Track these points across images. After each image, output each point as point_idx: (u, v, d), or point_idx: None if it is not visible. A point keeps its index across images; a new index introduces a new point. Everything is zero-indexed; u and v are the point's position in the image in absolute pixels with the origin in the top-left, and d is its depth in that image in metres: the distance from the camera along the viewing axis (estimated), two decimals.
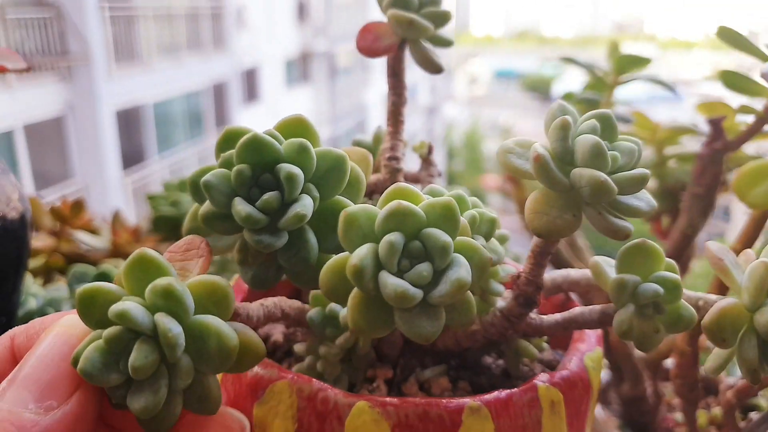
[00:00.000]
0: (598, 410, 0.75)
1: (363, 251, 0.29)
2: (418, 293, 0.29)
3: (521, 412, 0.35)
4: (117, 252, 0.84)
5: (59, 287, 0.66)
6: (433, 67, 0.45)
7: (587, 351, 0.40)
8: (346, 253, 0.31)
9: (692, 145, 0.70)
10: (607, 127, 0.33)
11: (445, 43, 0.45)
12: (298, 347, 0.41)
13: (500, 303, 0.39)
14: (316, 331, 0.39)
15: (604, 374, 0.74)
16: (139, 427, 0.31)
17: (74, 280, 0.63)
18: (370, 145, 0.51)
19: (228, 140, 0.34)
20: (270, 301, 0.37)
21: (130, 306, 0.29)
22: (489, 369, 0.43)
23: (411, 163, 0.50)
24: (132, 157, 8.15)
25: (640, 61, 0.68)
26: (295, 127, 0.34)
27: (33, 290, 0.62)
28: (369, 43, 0.44)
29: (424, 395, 0.39)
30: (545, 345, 0.44)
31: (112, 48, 7.40)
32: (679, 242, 0.64)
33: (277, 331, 0.45)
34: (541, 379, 0.36)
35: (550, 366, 0.43)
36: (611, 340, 0.65)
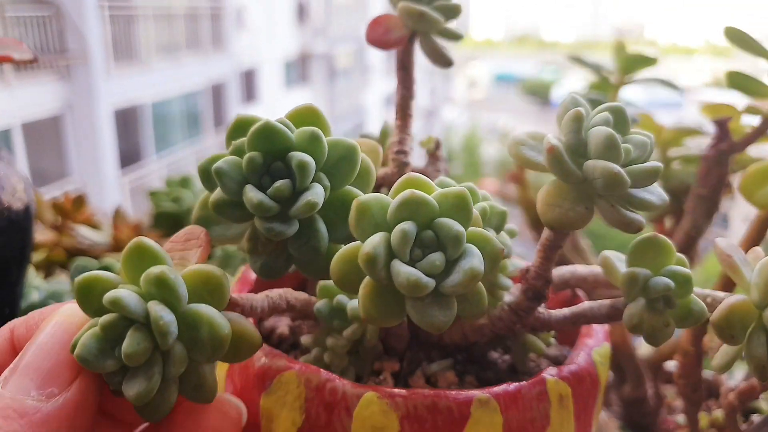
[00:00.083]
0: None
1: (376, 239, 0.29)
2: (430, 282, 0.29)
3: (530, 405, 0.35)
4: (118, 247, 0.84)
5: (61, 280, 0.66)
6: (443, 61, 0.45)
7: (595, 346, 0.40)
8: (358, 242, 0.31)
9: (696, 147, 0.70)
10: (620, 120, 0.33)
11: (456, 36, 0.44)
12: (305, 339, 0.41)
13: (508, 297, 0.39)
14: (324, 322, 0.39)
15: None
16: (137, 416, 0.31)
17: (76, 273, 0.63)
18: (377, 140, 0.51)
19: (239, 128, 0.34)
20: (275, 293, 0.37)
21: (124, 293, 0.29)
22: (495, 364, 0.42)
23: (416, 159, 0.49)
24: (129, 156, 8.14)
25: (646, 61, 0.67)
26: (307, 115, 0.34)
27: (35, 283, 0.62)
28: (379, 36, 0.43)
29: (431, 388, 0.39)
30: (552, 340, 0.44)
31: (111, 47, 7.40)
32: (683, 243, 0.63)
33: (283, 324, 0.45)
34: (550, 373, 0.36)
35: (557, 362, 0.43)
36: (613, 341, 0.65)
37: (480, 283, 0.31)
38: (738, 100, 0.58)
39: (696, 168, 0.61)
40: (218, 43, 9.75)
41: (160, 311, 0.29)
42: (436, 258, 0.29)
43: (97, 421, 0.34)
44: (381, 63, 16.13)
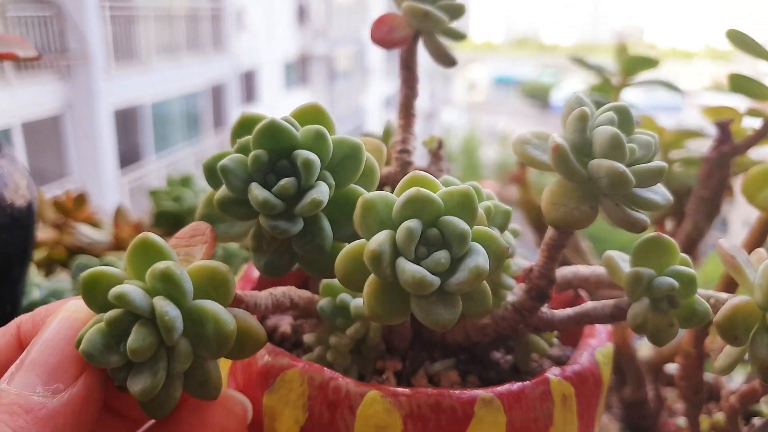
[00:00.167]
0: None
1: (381, 237, 0.29)
2: (435, 280, 0.29)
3: (533, 405, 0.35)
4: (119, 245, 0.84)
5: (62, 279, 0.66)
6: (446, 60, 0.45)
7: (598, 346, 0.40)
8: (363, 240, 0.31)
9: (697, 149, 0.70)
10: (624, 120, 0.33)
11: (459, 36, 0.44)
12: (308, 337, 0.41)
13: (511, 297, 0.39)
14: (327, 321, 0.39)
15: None
16: (143, 412, 0.31)
17: (78, 271, 0.63)
18: (380, 139, 0.51)
19: (244, 126, 0.34)
20: (279, 290, 0.37)
21: (129, 289, 0.29)
22: (498, 364, 0.42)
23: (418, 159, 0.50)
24: (129, 156, 8.15)
25: (648, 63, 0.68)
26: (312, 114, 0.34)
27: (36, 281, 0.62)
28: (383, 35, 0.44)
29: (434, 388, 0.38)
30: (555, 340, 0.44)
31: (111, 47, 7.41)
32: (684, 245, 0.63)
33: (285, 323, 0.45)
34: (553, 373, 0.36)
35: (560, 362, 0.43)
36: (614, 343, 0.65)
37: (485, 281, 0.31)
38: (738, 103, 0.58)
39: (697, 170, 0.61)
40: (218, 44, 9.75)
41: (165, 307, 0.29)
42: (442, 256, 0.29)
43: (103, 418, 0.34)
44: (381, 65, 16.14)
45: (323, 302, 0.39)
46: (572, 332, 0.45)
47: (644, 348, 0.73)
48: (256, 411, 0.36)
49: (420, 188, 0.30)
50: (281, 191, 0.31)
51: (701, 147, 0.67)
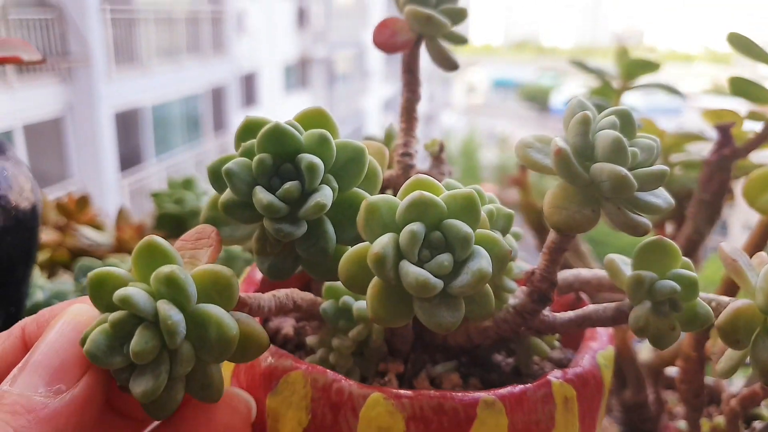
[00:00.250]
0: None
1: (385, 240, 0.29)
2: (439, 283, 0.29)
3: (535, 407, 0.35)
4: (121, 248, 0.84)
5: (65, 281, 0.66)
6: (449, 64, 0.45)
7: (599, 349, 0.40)
8: (366, 243, 0.31)
9: (698, 152, 0.70)
10: (626, 124, 0.34)
11: (461, 40, 0.45)
12: (311, 339, 0.41)
13: (513, 300, 0.39)
14: (330, 323, 0.39)
15: None
16: (144, 412, 0.31)
17: (81, 273, 0.63)
18: (381, 142, 0.51)
19: (248, 130, 0.34)
20: (282, 293, 0.37)
21: (134, 291, 0.29)
22: (499, 366, 0.43)
23: (419, 163, 0.50)
24: (129, 159, 8.15)
25: (648, 66, 0.68)
26: (315, 118, 0.35)
27: (39, 282, 0.62)
28: (386, 39, 0.44)
29: (437, 390, 0.39)
30: (557, 343, 0.44)
31: (112, 50, 7.41)
32: (685, 249, 0.64)
33: (288, 325, 0.45)
34: (555, 375, 0.36)
35: (561, 365, 0.43)
36: (614, 346, 0.65)
37: (487, 284, 0.31)
38: (738, 106, 0.58)
39: (698, 173, 0.62)
40: (219, 47, 9.76)
41: (168, 310, 0.29)
42: (445, 259, 0.30)
43: (107, 418, 0.34)
44: (380, 68, 16.16)
45: (326, 304, 0.39)
46: (573, 335, 0.45)
47: (645, 351, 0.73)
48: (260, 413, 0.36)
49: (423, 191, 0.30)
50: (285, 194, 0.31)
51: (702, 150, 0.67)
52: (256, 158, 0.32)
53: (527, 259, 0.46)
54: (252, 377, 0.37)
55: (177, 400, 0.31)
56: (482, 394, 0.34)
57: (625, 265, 0.37)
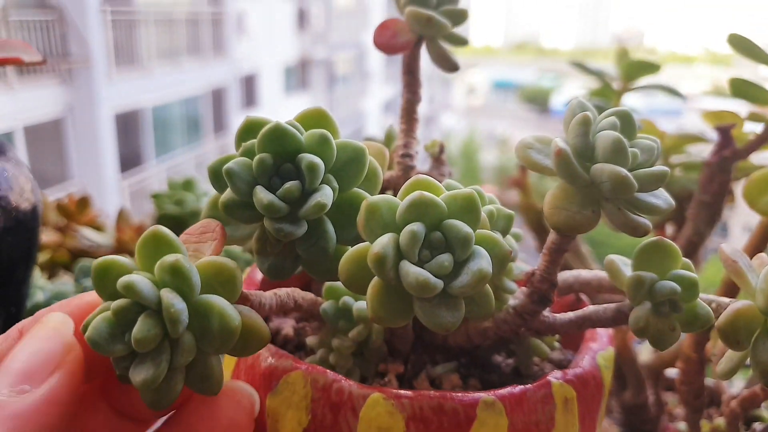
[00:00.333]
0: None
1: (385, 240, 0.29)
2: (439, 283, 0.29)
3: (535, 408, 0.35)
4: (121, 249, 0.84)
5: (65, 281, 0.66)
6: (449, 65, 0.45)
7: (600, 350, 0.40)
8: (367, 243, 0.31)
9: (698, 154, 0.70)
10: (627, 125, 0.34)
11: (461, 41, 0.45)
12: (311, 340, 0.41)
13: (513, 300, 0.39)
14: (330, 323, 0.39)
15: None
16: (150, 413, 0.31)
17: (81, 274, 0.63)
18: (382, 143, 0.51)
19: (249, 130, 0.34)
20: (283, 291, 0.37)
21: (138, 279, 0.29)
22: (499, 367, 0.43)
23: (419, 164, 0.50)
24: (130, 160, 8.16)
25: (649, 67, 0.68)
26: (316, 118, 0.35)
27: (40, 283, 0.62)
28: (386, 40, 0.44)
29: (437, 390, 0.39)
30: (556, 344, 0.44)
31: (112, 51, 7.42)
32: (685, 250, 0.64)
33: (288, 325, 0.45)
34: (555, 376, 0.36)
35: (561, 366, 0.43)
36: (614, 347, 0.65)
37: (487, 285, 0.31)
38: (739, 107, 0.58)
39: (698, 175, 0.62)
40: (219, 49, 9.77)
41: (172, 299, 0.29)
42: (445, 259, 0.30)
43: (111, 421, 0.34)
44: (380, 69, 16.16)
45: (326, 305, 0.39)
46: (573, 336, 0.45)
47: (645, 352, 0.73)
48: (260, 413, 0.36)
49: (423, 192, 0.30)
50: (286, 194, 0.31)
51: (702, 151, 0.67)
52: (256, 158, 0.32)
53: (527, 260, 0.46)
54: (252, 377, 0.37)
55: (176, 390, 0.31)
56: (482, 395, 0.34)
57: (625, 265, 0.37)
